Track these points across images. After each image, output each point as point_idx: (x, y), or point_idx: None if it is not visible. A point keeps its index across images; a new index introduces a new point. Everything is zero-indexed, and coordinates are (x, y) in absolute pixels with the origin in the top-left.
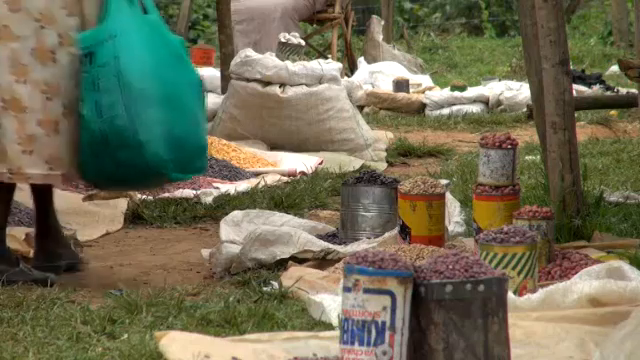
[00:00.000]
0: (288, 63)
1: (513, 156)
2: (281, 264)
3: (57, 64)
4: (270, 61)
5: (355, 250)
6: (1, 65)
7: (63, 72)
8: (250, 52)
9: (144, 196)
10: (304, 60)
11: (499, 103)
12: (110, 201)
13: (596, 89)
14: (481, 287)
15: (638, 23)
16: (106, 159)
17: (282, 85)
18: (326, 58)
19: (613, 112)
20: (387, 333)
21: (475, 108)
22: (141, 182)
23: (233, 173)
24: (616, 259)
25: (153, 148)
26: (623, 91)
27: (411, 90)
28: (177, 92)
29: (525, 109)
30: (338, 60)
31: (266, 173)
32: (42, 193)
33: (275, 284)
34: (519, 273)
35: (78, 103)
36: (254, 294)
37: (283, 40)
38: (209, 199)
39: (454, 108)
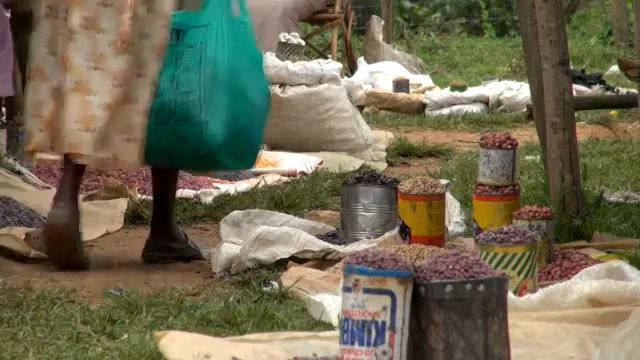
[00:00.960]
0: (288, 63)
1: (513, 156)
2: (281, 264)
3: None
4: (270, 61)
5: (355, 250)
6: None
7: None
8: None
9: (144, 196)
10: (304, 60)
11: (499, 103)
12: (110, 201)
13: (596, 89)
14: (481, 287)
15: (638, 23)
16: (168, 129)
17: (282, 85)
18: (326, 58)
19: (613, 112)
20: (387, 333)
21: (475, 108)
22: (192, 159)
23: (233, 173)
24: (616, 259)
25: (213, 129)
26: (623, 91)
27: (411, 90)
28: (247, 90)
29: (525, 109)
30: (338, 60)
31: (266, 173)
32: (165, 183)
33: (275, 284)
34: (519, 273)
35: None
36: (254, 294)
37: (283, 40)
38: (209, 199)
39: (454, 108)
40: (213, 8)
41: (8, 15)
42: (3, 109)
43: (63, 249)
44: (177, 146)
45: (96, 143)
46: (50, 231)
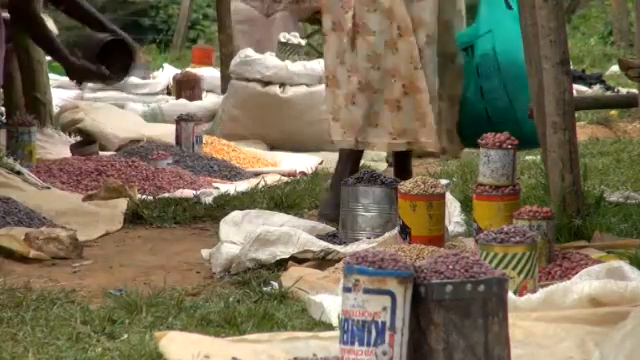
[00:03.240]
0: (288, 63)
1: (513, 156)
2: (281, 264)
3: (398, 52)
4: (270, 61)
5: (355, 250)
6: (360, 55)
7: (403, 59)
8: (250, 52)
9: (144, 196)
10: (304, 60)
11: None
12: (110, 201)
13: (596, 89)
14: (481, 287)
15: (638, 23)
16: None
17: (282, 85)
18: None
19: (613, 112)
20: (387, 333)
21: None
22: None
23: (233, 173)
24: (616, 259)
25: (528, 125)
26: (623, 91)
27: None
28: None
29: None
30: None
31: (266, 173)
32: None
33: (275, 284)
34: (519, 273)
35: (414, 83)
36: (254, 294)
37: (283, 40)
38: (209, 199)
39: None
40: (488, 12)
41: (6, 15)
42: (3, 109)
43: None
44: None
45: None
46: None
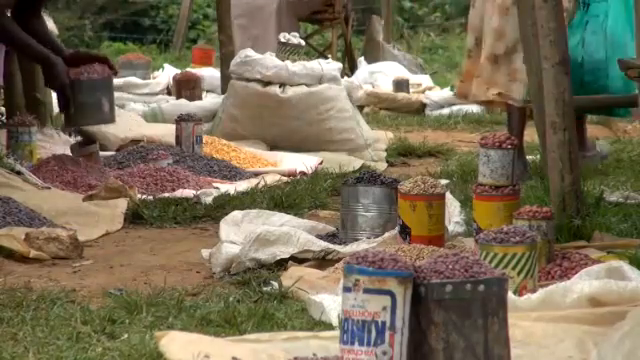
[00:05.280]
0: (288, 63)
1: (513, 156)
2: (281, 264)
3: (509, 16)
4: (270, 61)
5: (355, 250)
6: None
7: (511, 22)
8: (250, 52)
9: (144, 196)
10: (304, 60)
11: None
12: (110, 201)
13: None
14: (481, 287)
15: (638, 23)
16: (575, 79)
17: (282, 85)
18: (326, 58)
19: None
20: (387, 333)
21: (475, 108)
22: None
23: (233, 173)
24: (616, 259)
25: (616, 81)
26: None
27: (411, 90)
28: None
29: None
30: (338, 60)
31: (266, 173)
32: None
33: (275, 284)
34: (519, 273)
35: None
36: (254, 294)
37: (283, 40)
38: (209, 199)
39: (454, 108)
40: None
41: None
42: (3, 109)
43: None
44: (579, 92)
45: (481, 86)
46: None
